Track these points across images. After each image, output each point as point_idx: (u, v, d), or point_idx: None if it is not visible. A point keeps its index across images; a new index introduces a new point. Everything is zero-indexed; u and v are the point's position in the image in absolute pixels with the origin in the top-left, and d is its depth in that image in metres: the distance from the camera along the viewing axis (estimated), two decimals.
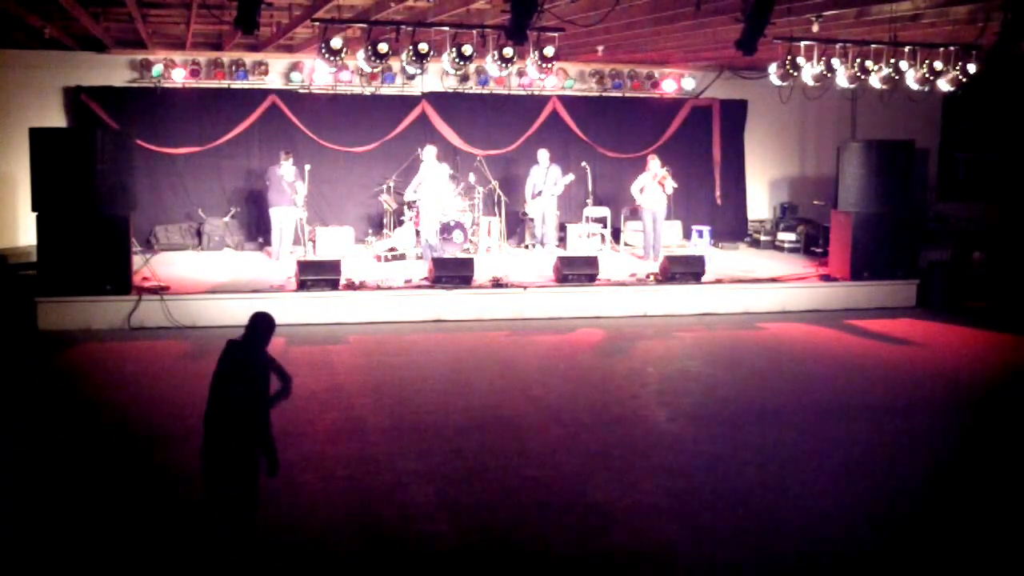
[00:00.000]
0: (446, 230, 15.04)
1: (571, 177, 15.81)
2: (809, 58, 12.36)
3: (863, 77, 12.62)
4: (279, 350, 10.68)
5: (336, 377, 9.66)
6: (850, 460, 7.53)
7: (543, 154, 15.70)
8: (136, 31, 13.86)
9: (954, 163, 19.95)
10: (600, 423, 8.32)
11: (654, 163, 15.34)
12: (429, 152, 14.76)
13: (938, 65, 12.67)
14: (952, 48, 12.74)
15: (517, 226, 17.03)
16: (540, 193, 15.63)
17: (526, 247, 16.49)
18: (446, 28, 11.78)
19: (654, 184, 15.18)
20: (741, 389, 9.50)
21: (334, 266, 12.44)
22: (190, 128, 15.95)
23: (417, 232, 14.93)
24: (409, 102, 16.70)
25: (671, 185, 15.16)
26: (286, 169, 14.43)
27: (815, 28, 11.23)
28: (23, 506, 6.37)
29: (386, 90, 16.55)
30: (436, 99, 16.79)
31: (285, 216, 14.61)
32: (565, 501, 6.61)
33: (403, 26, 11.60)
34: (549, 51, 11.95)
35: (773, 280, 13.93)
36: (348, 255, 14.54)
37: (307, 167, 14.75)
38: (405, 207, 15.18)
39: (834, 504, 6.64)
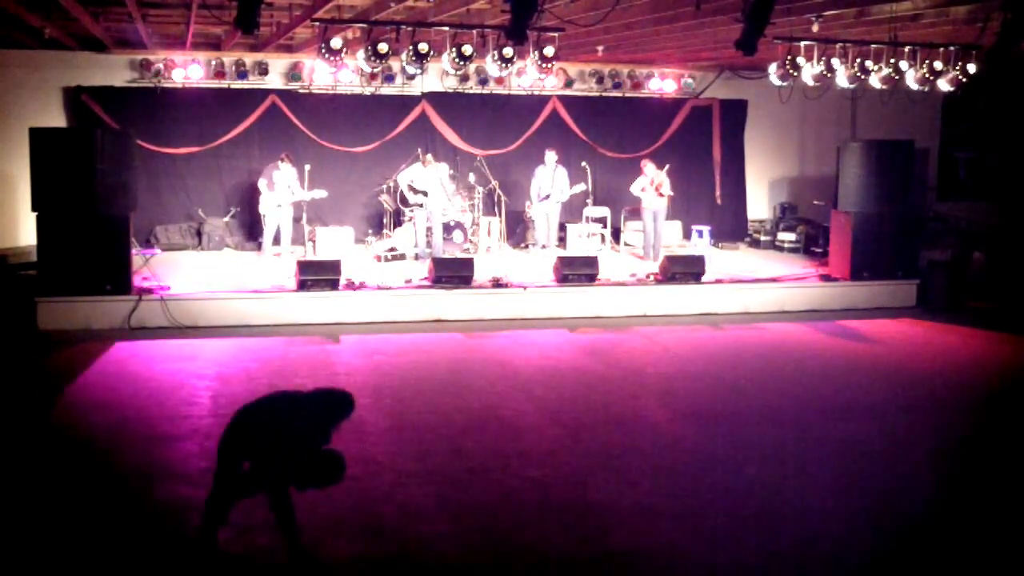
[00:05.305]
0: (446, 230, 15.09)
1: (581, 187, 15.79)
2: (809, 58, 12.36)
3: (863, 77, 12.61)
4: (279, 350, 10.73)
5: (336, 377, 9.64)
6: (850, 460, 7.52)
7: (550, 155, 15.65)
8: (136, 31, 13.86)
9: (954, 163, 19.98)
10: (600, 423, 8.32)
11: (649, 168, 15.38)
12: (429, 158, 15.19)
13: (938, 65, 12.67)
14: (952, 48, 12.74)
15: (517, 226, 17.03)
16: (548, 197, 15.61)
17: (525, 247, 16.49)
18: (446, 28, 11.78)
19: (651, 187, 15.23)
20: (741, 389, 9.50)
21: (334, 266, 12.44)
22: (190, 128, 15.94)
23: (419, 230, 15.01)
24: (409, 102, 16.69)
25: (668, 190, 15.20)
26: (285, 170, 14.66)
27: (815, 28, 11.23)
28: (21, 507, 6.37)
29: (386, 90, 16.55)
30: (436, 99, 16.79)
31: (277, 215, 14.84)
32: (565, 501, 6.60)
33: (403, 26, 11.60)
34: (549, 51, 11.94)
35: (773, 280, 13.93)
36: (348, 255, 14.55)
37: (307, 167, 14.80)
38: (408, 209, 15.22)
39: (834, 504, 6.64)
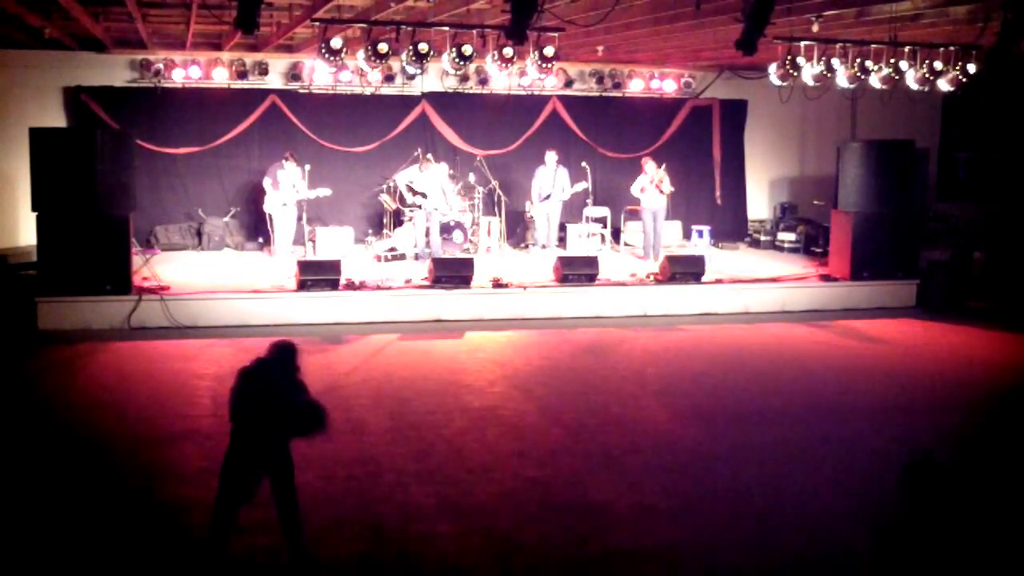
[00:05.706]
0: (446, 230, 15.09)
1: (583, 185, 15.82)
2: (809, 58, 12.36)
3: (863, 77, 12.61)
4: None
5: (336, 377, 9.65)
6: (850, 460, 7.53)
7: (551, 156, 15.67)
8: (136, 31, 13.85)
9: (954, 163, 19.95)
10: (600, 423, 8.32)
11: (650, 166, 15.39)
12: (429, 158, 15.25)
13: (938, 65, 12.67)
14: (952, 48, 12.74)
15: (517, 226, 17.03)
16: (548, 197, 15.62)
17: (525, 247, 16.49)
18: (446, 28, 11.78)
19: (652, 186, 15.24)
20: (741, 389, 9.50)
21: (334, 266, 12.44)
22: (190, 128, 15.95)
23: (419, 230, 15.02)
24: (409, 102, 16.69)
25: (668, 187, 15.21)
26: (290, 169, 14.66)
27: (815, 28, 11.22)
28: (22, 507, 6.37)
29: (386, 90, 16.55)
30: (436, 99, 16.79)
31: (284, 214, 14.80)
32: (565, 501, 6.61)
33: (403, 26, 11.60)
34: (549, 51, 11.94)
35: (773, 280, 13.93)
36: (348, 255, 14.55)
37: (307, 167, 14.81)
38: (408, 209, 15.22)
39: (834, 504, 6.64)
